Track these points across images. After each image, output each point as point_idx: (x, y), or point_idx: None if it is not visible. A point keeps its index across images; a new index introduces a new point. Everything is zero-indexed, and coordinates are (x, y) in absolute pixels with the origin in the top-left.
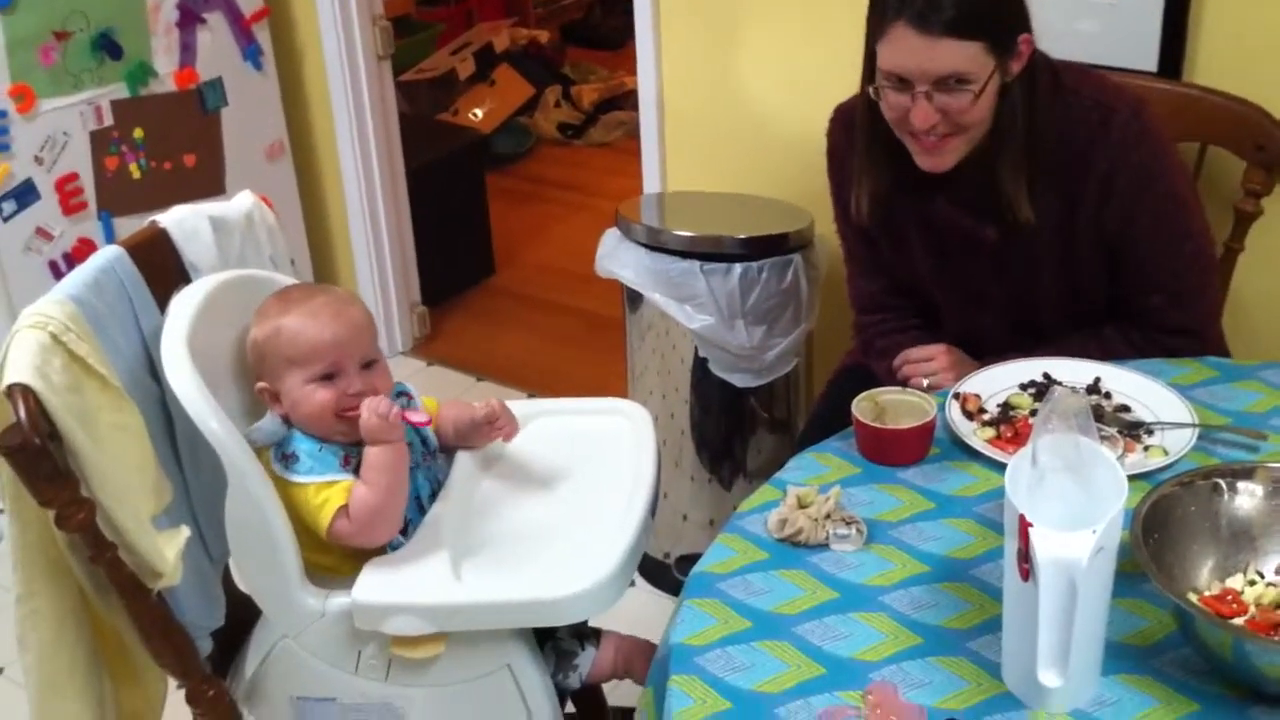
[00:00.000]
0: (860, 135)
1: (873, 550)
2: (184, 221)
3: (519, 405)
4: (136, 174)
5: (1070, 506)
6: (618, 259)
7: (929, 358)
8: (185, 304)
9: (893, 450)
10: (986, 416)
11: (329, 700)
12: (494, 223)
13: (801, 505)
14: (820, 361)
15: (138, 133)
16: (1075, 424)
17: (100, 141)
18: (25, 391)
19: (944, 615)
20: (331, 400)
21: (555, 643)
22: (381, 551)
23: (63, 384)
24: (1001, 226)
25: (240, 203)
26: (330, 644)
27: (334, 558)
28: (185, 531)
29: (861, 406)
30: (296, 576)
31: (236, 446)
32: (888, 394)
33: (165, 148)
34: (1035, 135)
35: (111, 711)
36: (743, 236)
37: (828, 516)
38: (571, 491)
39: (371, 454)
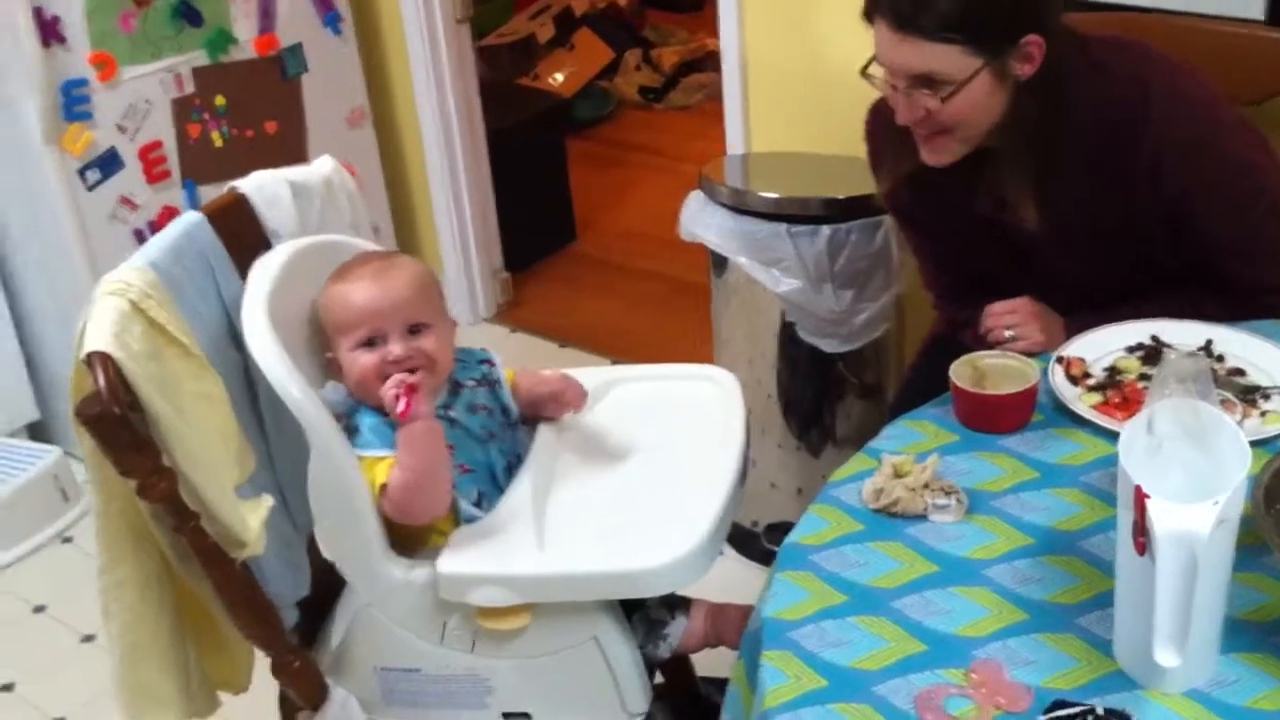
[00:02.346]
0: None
1: (974, 521)
2: (264, 187)
3: (604, 372)
4: (219, 142)
5: (1189, 476)
6: (702, 222)
7: (1011, 310)
8: (265, 270)
9: (994, 417)
10: (1092, 381)
11: (414, 670)
12: (575, 188)
13: (898, 474)
14: (912, 326)
15: (219, 100)
16: (1194, 388)
17: (182, 109)
18: (105, 359)
19: (1051, 590)
20: (373, 366)
21: (644, 612)
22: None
23: (143, 352)
24: (1045, 215)
25: (320, 167)
26: (415, 614)
27: (419, 526)
28: (268, 501)
29: (960, 371)
30: (379, 545)
31: (318, 413)
32: (987, 358)
33: (247, 115)
34: (1071, 124)
35: (197, 680)
36: (830, 198)
37: (926, 486)
38: (658, 460)
39: (399, 432)
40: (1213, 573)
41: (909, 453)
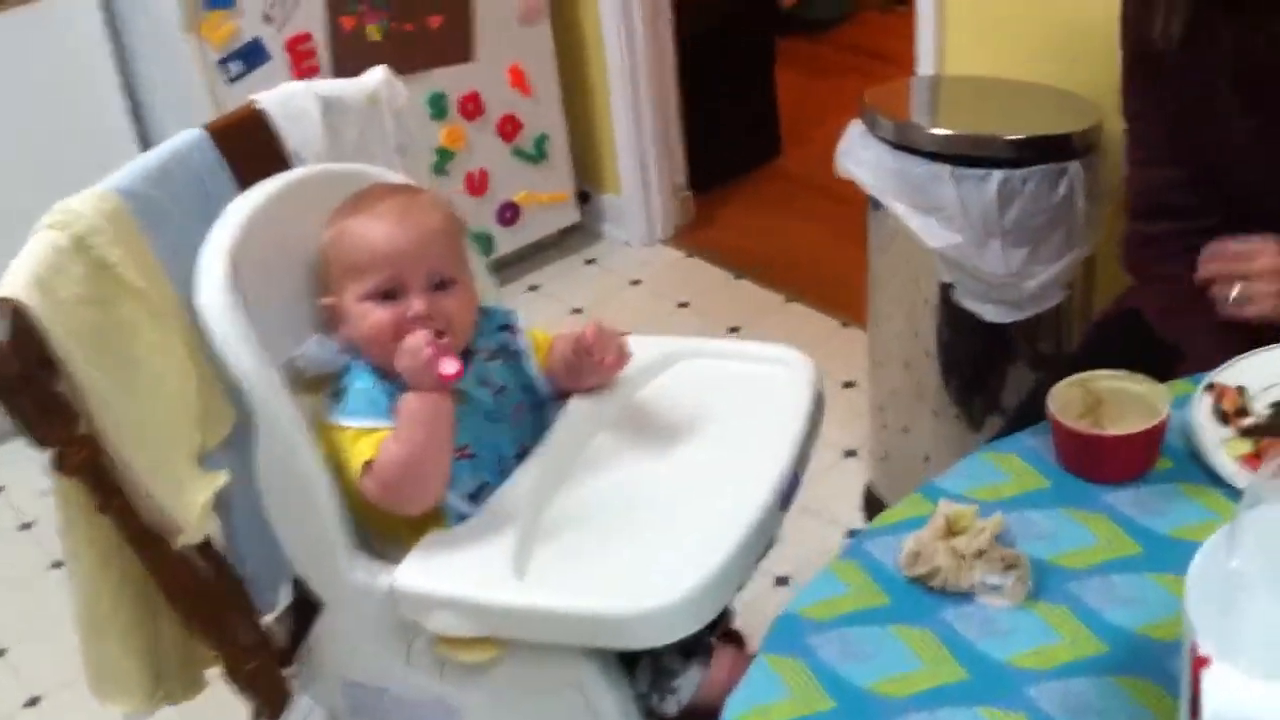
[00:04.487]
0: None
1: (1035, 610)
2: (288, 101)
3: (669, 343)
4: (376, 35)
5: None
6: (856, 157)
7: (1250, 255)
8: (242, 205)
9: (1101, 462)
10: (1248, 422)
11: (380, 689)
12: (788, 97)
13: (950, 531)
14: (1103, 293)
15: None
16: None
17: None
18: (14, 309)
19: None
20: (388, 322)
21: (652, 658)
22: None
23: (77, 298)
24: None
25: (366, 81)
26: (379, 627)
27: (399, 522)
28: (220, 477)
29: (1067, 396)
30: (341, 544)
31: (263, 380)
32: (1109, 379)
33: (408, 7)
34: None
35: (175, 661)
36: (1006, 137)
37: (980, 554)
38: (691, 463)
39: (405, 401)
40: None
41: (975, 499)
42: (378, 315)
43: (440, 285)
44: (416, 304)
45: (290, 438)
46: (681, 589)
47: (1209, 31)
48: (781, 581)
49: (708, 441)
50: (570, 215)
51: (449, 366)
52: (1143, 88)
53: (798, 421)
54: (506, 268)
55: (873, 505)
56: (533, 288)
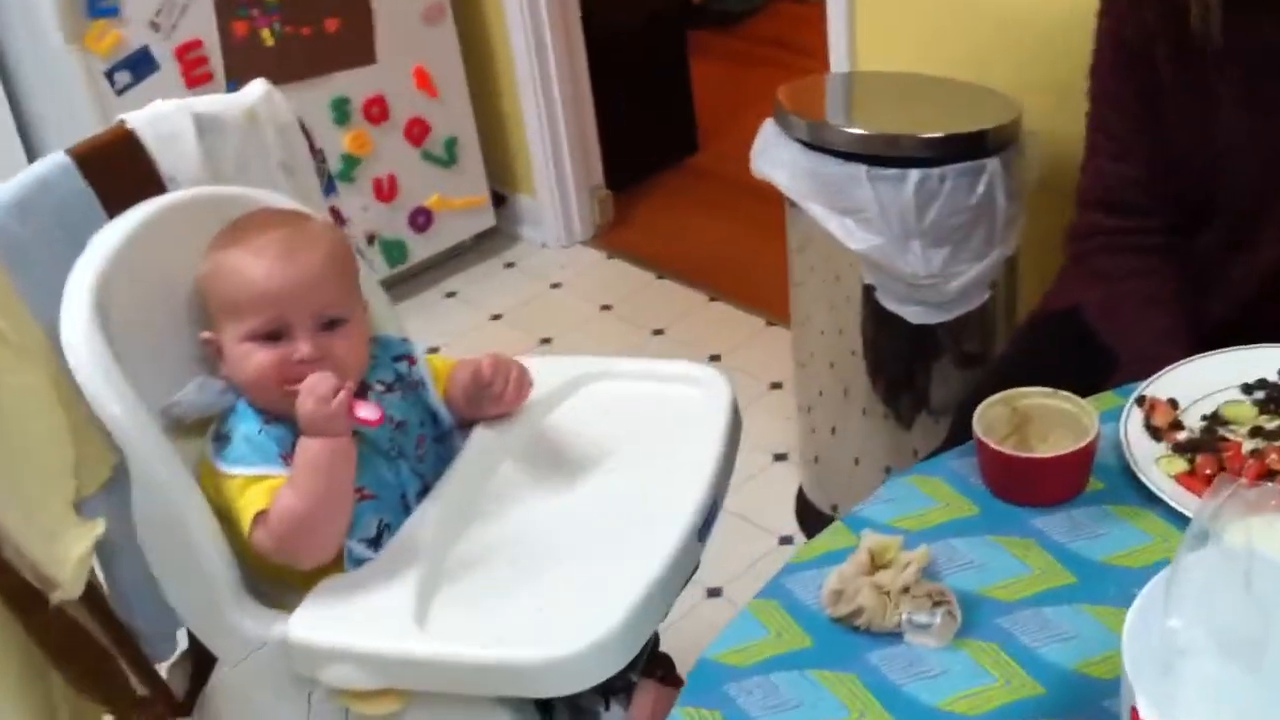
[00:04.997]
0: None
1: (965, 649)
2: (159, 121)
3: (578, 364)
4: (270, 40)
5: (1227, 705)
6: (770, 158)
7: None
8: (109, 236)
9: (1031, 485)
10: (1182, 436)
11: None
12: (705, 92)
13: (876, 565)
14: (1028, 293)
15: None
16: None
17: (226, 4)
18: None
19: None
20: (272, 366)
21: (570, 698)
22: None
23: None
24: None
25: (245, 95)
26: (278, 679)
27: (291, 569)
28: (98, 527)
29: (992, 416)
30: (229, 595)
31: (134, 425)
32: (1035, 398)
33: (302, 10)
34: None
35: (66, 713)
36: (923, 135)
37: (905, 590)
38: (606, 492)
39: (305, 448)
40: None
41: (901, 528)
42: (260, 358)
43: (329, 325)
44: (303, 348)
45: (166, 486)
46: (592, 635)
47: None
48: (714, 593)
49: (619, 471)
50: (485, 219)
51: (369, 413)
52: (1122, 74)
53: (714, 445)
54: (421, 274)
55: (805, 510)
56: (450, 294)
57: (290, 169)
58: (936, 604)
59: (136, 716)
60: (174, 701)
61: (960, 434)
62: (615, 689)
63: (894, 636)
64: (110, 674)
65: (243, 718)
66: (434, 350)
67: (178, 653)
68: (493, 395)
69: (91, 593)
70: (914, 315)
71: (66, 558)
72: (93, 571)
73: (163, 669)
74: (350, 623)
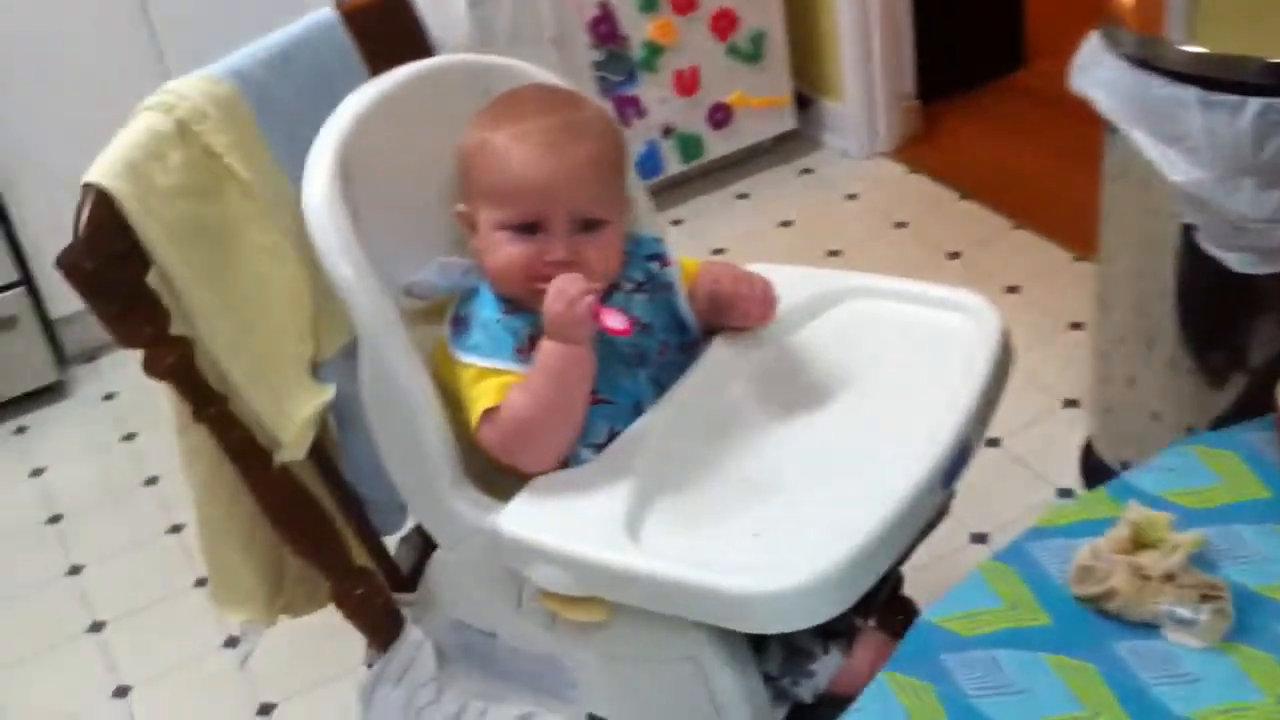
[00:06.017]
0: None
1: (1233, 654)
2: None
3: (838, 278)
4: None
5: None
6: (1092, 76)
7: None
8: (361, 97)
9: None
10: None
11: (490, 635)
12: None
13: (1138, 544)
14: None
15: None
16: None
17: None
18: (97, 196)
19: None
20: (521, 261)
21: (786, 638)
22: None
23: (175, 187)
24: None
25: None
26: (491, 570)
27: None
28: (328, 392)
29: None
30: (447, 479)
31: (365, 295)
32: None
33: None
34: None
35: (295, 569)
36: (1271, 60)
37: (1169, 578)
38: (846, 421)
39: (545, 351)
40: None
41: (1175, 504)
42: (510, 250)
43: (586, 226)
44: (557, 249)
45: (392, 362)
46: (812, 570)
47: None
48: (978, 539)
49: (865, 399)
50: (786, 121)
51: (617, 322)
52: None
53: (975, 381)
54: (714, 173)
55: (1091, 466)
56: (741, 196)
57: (559, 44)
58: (1205, 598)
59: (352, 586)
60: (399, 576)
61: (1262, 400)
62: (837, 632)
63: (1148, 628)
64: (329, 539)
65: (457, 602)
66: (719, 252)
67: (407, 527)
68: (736, 312)
69: (323, 457)
70: (1237, 262)
71: (293, 418)
72: (330, 436)
73: (392, 544)
74: (561, 524)
